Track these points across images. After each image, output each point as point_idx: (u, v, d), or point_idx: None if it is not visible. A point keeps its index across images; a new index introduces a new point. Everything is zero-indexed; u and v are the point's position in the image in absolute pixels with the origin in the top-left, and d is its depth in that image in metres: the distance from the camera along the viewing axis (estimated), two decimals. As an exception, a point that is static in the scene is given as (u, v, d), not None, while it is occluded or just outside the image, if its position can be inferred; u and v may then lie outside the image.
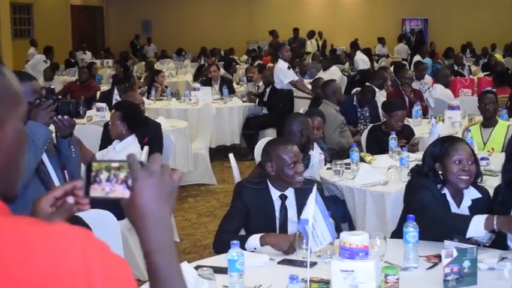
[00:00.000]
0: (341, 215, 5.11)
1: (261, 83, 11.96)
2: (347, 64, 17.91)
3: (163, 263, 1.51)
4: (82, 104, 3.60)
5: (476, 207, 3.92)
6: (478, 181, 4.08)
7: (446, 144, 4.01)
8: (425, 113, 8.86)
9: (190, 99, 10.78)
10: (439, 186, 3.99)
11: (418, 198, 3.92)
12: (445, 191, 4.00)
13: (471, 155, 3.97)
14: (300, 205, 3.69)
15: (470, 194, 4.01)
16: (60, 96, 4.07)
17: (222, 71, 14.57)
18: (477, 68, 17.35)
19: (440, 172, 3.98)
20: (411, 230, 3.45)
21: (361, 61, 16.82)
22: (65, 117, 3.51)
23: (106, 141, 6.40)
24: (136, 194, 1.52)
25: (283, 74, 10.86)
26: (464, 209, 3.96)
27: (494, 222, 3.50)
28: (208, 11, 28.28)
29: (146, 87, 12.17)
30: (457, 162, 3.92)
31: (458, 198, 4.00)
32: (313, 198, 3.12)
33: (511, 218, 3.51)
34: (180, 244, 6.83)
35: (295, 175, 4.11)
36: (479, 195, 4.01)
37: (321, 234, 3.17)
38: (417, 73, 11.80)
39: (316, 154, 6.47)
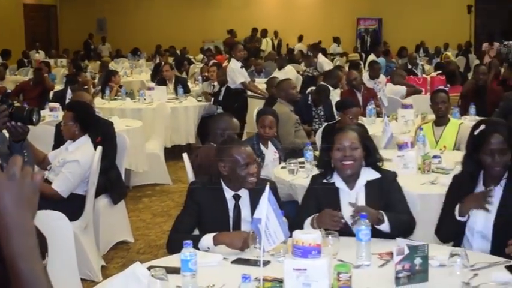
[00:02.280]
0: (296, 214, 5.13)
1: (216, 83, 11.94)
2: (303, 64, 17.96)
3: (25, 268, 1.48)
4: (36, 111, 3.58)
5: (373, 187, 4.09)
6: (380, 165, 4.24)
7: (333, 135, 4.22)
8: (378, 112, 8.92)
9: (145, 99, 10.71)
10: (327, 177, 4.18)
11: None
12: (335, 178, 4.16)
13: (354, 142, 4.09)
14: (254, 204, 3.70)
15: (367, 175, 4.14)
16: (15, 102, 4.06)
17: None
18: (430, 67, 17.55)
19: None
20: (363, 228, 3.47)
21: (326, 63, 16.90)
22: (18, 123, 3.50)
23: (59, 141, 6.33)
24: None
25: (236, 73, 10.84)
26: (358, 189, 4.11)
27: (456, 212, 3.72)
28: (164, 9, 28.15)
29: (100, 87, 12.06)
30: (339, 149, 4.08)
31: (352, 181, 4.12)
32: (266, 197, 3.12)
33: (472, 196, 3.69)
34: (134, 244, 6.80)
35: (247, 176, 4.11)
36: (377, 176, 4.14)
37: (273, 233, 3.17)
38: (371, 72, 11.90)
39: (271, 153, 6.49)
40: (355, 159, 4.07)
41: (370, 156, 4.17)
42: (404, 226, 3.93)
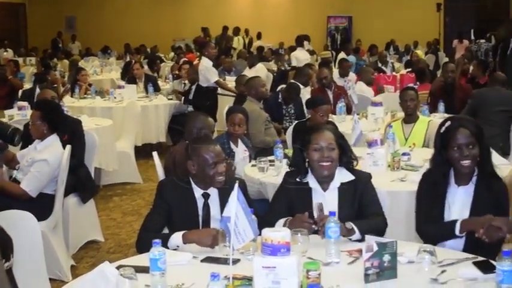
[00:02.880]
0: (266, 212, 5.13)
1: (187, 81, 11.92)
2: (273, 61, 18.00)
3: None
4: (19, 133, 3.54)
5: (347, 189, 4.07)
6: (355, 165, 4.23)
7: (308, 134, 4.16)
8: (349, 110, 8.95)
9: (115, 97, 10.66)
10: (301, 176, 4.14)
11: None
12: (309, 178, 4.13)
13: (331, 142, 4.08)
14: (223, 203, 3.69)
15: (341, 177, 4.12)
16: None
17: (146, 69, 14.46)
18: (400, 65, 17.65)
19: (307, 160, 4.13)
20: (332, 226, 3.48)
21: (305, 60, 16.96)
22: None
23: (27, 141, 6.27)
24: None
25: (210, 72, 10.82)
26: (333, 190, 4.09)
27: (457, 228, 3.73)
28: (135, 7, 28.04)
29: (70, 85, 11.97)
30: (316, 150, 4.05)
31: (326, 183, 4.10)
32: (235, 195, 3.12)
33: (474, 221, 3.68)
34: (104, 244, 6.76)
35: (215, 175, 4.10)
36: (351, 177, 4.12)
37: (243, 231, 3.17)
38: (341, 70, 11.95)
39: (241, 151, 6.49)
40: (332, 159, 4.05)
41: (345, 156, 4.16)
42: (376, 230, 3.90)
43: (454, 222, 3.85)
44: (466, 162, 3.93)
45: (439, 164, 4.07)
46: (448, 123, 4.05)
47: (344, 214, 3.90)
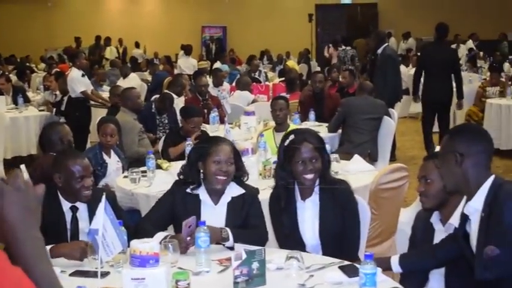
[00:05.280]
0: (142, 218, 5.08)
1: (58, 92, 11.68)
2: (147, 71, 17.91)
3: (45, 269, 1.58)
4: None
5: (236, 203, 4.07)
6: (245, 179, 4.24)
7: (208, 146, 4.12)
8: (222, 120, 9.01)
9: (-17, 110, 10.33)
10: (191, 187, 4.10)
11: None
12: (200, 190, 4.10)
13: (230, 157, 4.07)
14: (92, 216, 3.63)
15: (232, 191, 4.12)
16: None
17: (16, 80, 14.06)
18: (274, 75, 17.93)
19: (201, 170, 4.09)
20: (202, 235, 3.50)
21: (192, 66, 17.09)
22: None
23: None
24: (4, 208, 1.56)
25: (76, 82, 10.63)
26: (222, 205, 4.09)
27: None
28: (5, 16, 27.22)
29: None
30: (215, 162, 4.03)
31: (217, 196, 4.10)
32: (102, 207, 3.10)
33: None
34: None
35: (82, 189, 4.04)
36: (241, 191, 4.13)
37: (111, 243, 3.15)
38: (215, 80, 12.01)
39: (114, 162, 6.43)
40: (229, 174, 4.03)
41: (239, 170, 4.15)
42: (256, 241, 3.80)
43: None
44: (310, 176, 3.99)
45: (282, 177, 4.11)
46: (292, 136, 4.09)
47: (231, 227, 3.90)
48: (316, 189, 4.06)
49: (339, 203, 4.02)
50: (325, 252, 3.97)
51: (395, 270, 3.66)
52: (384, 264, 3.62)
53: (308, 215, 4.07)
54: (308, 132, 4.26)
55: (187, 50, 18.74)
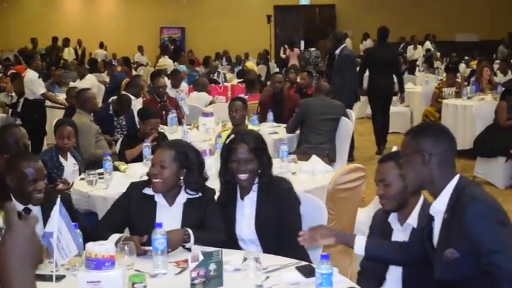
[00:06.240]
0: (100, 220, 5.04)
1: (13, 93, 11.54)
2: (105, 72, 17.78)
3: None
4: None
5: (192, 204, 4.06)
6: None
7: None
8: (180, 121, 8.98)
9: None
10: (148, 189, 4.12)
11: None
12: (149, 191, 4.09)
13: (162, 160, 4.04)
14: (47, 218, 3.60)
15: (188, 192, 4.10)
16: None
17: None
18: (232, 76, 17.92)
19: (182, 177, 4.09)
20: (159, 237, 3.48)
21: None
22: None
23: None
24: (6, 242, 1.51)
25: (34, 84, 10.51)
26: (178, 206, 4.08)
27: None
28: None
29: None
30: (152, 164, 4.08)
31: (172, 198, 4.08)
32: (57, 210, 3.07)
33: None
34: None
35: (34, 192, 4.01)
36: (198, 193, 4.12)
37: (66, 246, 3.12)
38: (174, 81, 11.97)
39: (70, 165, 6.37)
40: (163, 178, 4.01)
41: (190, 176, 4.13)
42: (215, 242, 3.80)
43: None
44: (243, 176, 4.08)
45: (223, 174, 4.20)
46: (232, 136, 4.22)
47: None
48: (255, 187, 4.14)
49: (275, 200, 4.06)
50: (265, 248, 4.03)
51: (358, 251, 3.61)
52: (347, 240, 3.65)
53: (246, 212, 4.13)
54: (248, 134, 4.32)
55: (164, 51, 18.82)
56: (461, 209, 3.05)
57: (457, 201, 3.10)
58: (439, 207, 3.19)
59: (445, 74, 13.48)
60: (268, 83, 11.87)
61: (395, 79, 11.51)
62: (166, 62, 18.93)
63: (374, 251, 3.61)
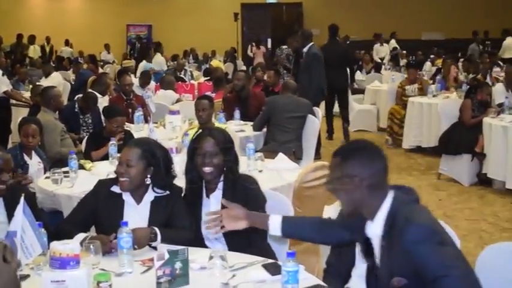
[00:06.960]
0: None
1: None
2: (71, 70, 17.67)
3: None
4: None
5: (159, 203, 4.06)
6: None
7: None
8: (147, 119, 8.94)
9: None
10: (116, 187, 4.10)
11: None
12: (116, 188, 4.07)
13: (129, 159, 4.04)
14: (9, 211, 3.57)
15: (155, 190, 4.10)
16: None
17: None
18: (199, 74, 17.89)
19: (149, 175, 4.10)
20: (124, 236, 3.46)
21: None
22: None
23: None
24: None
25: (-1, 82, 10.40)
26: (145, 204, 4.06)
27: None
28: None
29: None
30: (120, 164, 4.07)
31: (139, 196, 4.08)
32: (20, 209, 3.04)
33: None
34: None
35: None
36: (165, 192, 4.10)
37: (30, 245, 3.10)
38: (142, 81, 11.93)
39: (35, 163, 6.32)
40: (130, 176, 4.01)
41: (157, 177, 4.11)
42: (181, 241, 3.75)
43: None
44: (207, 169, 4.09)
45: (188, 170, 4.19)
46: (200, 131, 4.24)
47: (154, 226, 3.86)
48: (220, 185, 4.15)
49: (240, 198, 3.95)
50: (230, 246, 4.02)
51: (274, 232, 3.54)
52: (259, 220, 3.59)
53: (212, 210, 4.06)
54: (216, 130, 4.35)
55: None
56: (399, 235, 2.92)
57: (393, 226, 2.98)
58: (375, 231, 3.08)
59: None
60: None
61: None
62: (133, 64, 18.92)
63: (290, 232, 3.57)
